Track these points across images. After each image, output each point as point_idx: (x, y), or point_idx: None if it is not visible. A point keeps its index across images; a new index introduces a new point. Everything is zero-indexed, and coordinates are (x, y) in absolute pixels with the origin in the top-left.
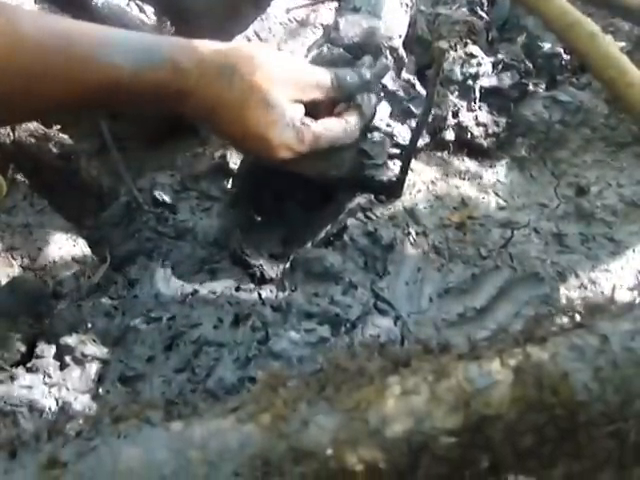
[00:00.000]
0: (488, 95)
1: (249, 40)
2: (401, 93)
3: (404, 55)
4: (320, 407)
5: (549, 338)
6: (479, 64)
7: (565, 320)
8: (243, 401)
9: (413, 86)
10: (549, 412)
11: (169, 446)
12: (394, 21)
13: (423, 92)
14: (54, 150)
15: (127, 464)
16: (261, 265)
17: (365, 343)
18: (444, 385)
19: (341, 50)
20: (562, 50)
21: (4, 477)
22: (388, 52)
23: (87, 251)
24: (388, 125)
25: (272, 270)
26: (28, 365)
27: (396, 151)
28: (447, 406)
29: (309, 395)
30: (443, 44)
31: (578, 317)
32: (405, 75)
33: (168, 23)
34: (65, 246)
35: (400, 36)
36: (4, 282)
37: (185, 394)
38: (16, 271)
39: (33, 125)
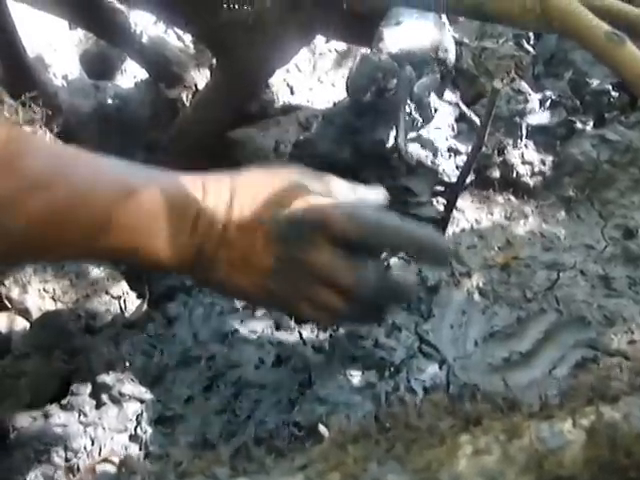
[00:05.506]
0: (535, 132)
1: (288, 72)
2: (447, 113)
3: (453, 71)
4: (391, 466)
5: (621, 397)
6: (526, 100)
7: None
8: (311, 458)
9: (458, 106)
10: (622, 474)
11: None
12: (441, 37)
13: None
14: None
15: None
16: None
17: (433, 400)
18: (516, 445)
19: (386, 56)
20: (610, 87)
21: None
22: (435, 64)
23: (123, 286)
24: (432, 162)
25: None
26: (63, 402)
27: (440, 188)
28: (519, 466)
29: (379, 454)
30: (497, 83)
31: None
32: (452, 97)
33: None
34: (99, 281)
35: (447, 50)
36: (36, 316)
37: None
38: (48, 305)
39: None
